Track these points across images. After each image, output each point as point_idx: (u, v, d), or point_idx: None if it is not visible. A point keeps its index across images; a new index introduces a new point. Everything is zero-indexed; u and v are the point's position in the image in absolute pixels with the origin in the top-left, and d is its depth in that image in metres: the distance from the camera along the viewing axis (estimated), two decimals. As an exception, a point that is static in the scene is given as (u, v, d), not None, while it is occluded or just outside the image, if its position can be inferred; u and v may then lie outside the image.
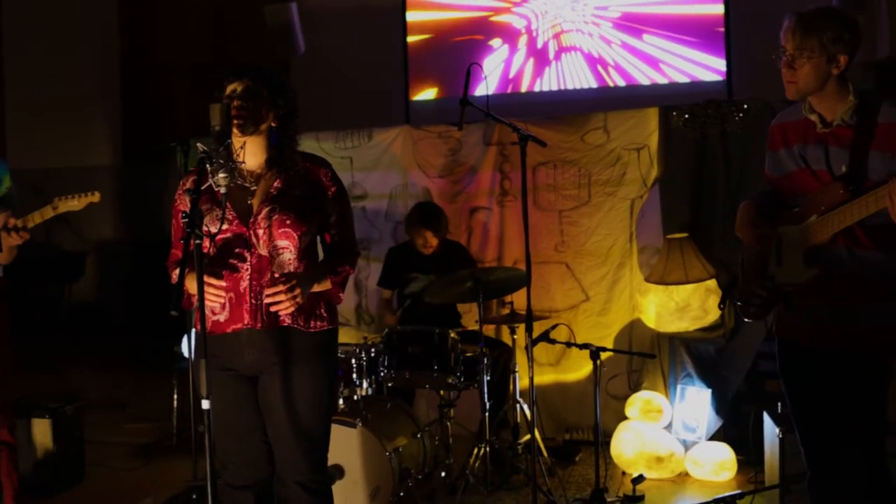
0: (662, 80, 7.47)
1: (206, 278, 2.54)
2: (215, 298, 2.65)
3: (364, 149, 5.46)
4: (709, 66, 7.39)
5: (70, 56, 10.16)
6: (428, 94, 8.08)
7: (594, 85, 7.62)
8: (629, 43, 7.60)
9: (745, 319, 2.77)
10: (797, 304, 2.62)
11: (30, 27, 10.26)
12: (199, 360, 2.40)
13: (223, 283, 2.65)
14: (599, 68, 7.69)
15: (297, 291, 2.63)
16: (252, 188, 2.75)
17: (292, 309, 2.66)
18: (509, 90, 7.83)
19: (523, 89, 7.82)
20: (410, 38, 8.14)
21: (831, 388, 2.58)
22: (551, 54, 7.80)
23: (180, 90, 9.86)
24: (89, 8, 10.20)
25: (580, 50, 7.71)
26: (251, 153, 2.74)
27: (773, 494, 3.90)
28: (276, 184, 2.75)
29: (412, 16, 8.12)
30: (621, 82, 7.58)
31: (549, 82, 7.81)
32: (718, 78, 7.35)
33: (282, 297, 2.62)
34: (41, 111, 9.83)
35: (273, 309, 2.66)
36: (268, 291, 2.64)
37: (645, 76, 7.54)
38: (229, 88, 2.71)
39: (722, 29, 7.36)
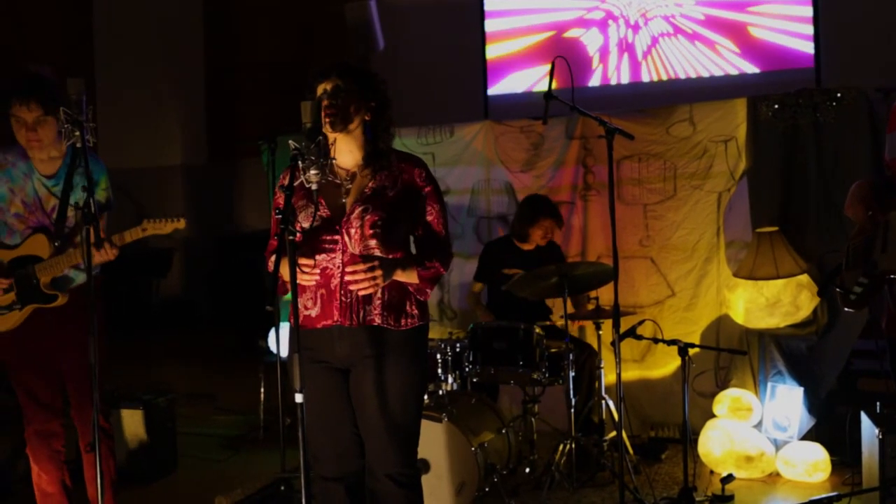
0: (750, 70, 7.31)
1: (297, 259, 2.57)
2: (309, 278, 2.67)
3: (446, 144, 5.47)
4: (796, 54, 7.19)
5: (154, 57, 10.44)
6: (507, 88, 8.07)
7: (679, 76, 7.51)
8: (712, 31, 7.46)
9: (845, 309, 2.63)
10: None
11: (117, 31, 10.60)
12: (293, 354, 2.44)
13: (311, 262, 2.66)
14: (682, 59, 7.57)
15: (378, 273, 2.63)
16: (347, 186, 2.78)
17: (371, 290, 2.67)
18: (590, 83, 7.76)
19: (604, 82, 7.75)
20: (489, 32, 8.14)
21: None
22: (637, 45, 7.71)
23: (262, 89, 10.05)
24: (174, 10, 10.47)
25: (666, 38, 7.60)
26: (346, 151, 2.78)
27: (871, 497, 3.76)
28: (371, 183, 2.77)
29: (490, 4, 8.13)
30: (704, 73, 7.45)
31: (629, 75, 7.71)
32: (806, 66, 7.14)
33: (360, 276, 2.63)
34: (127, 112, 10.14)
35: (352, 287, 2.66)
36: (348, 269, 2.66)
37: (731, 66, 7.38)
38: (320, 89, 2.74)
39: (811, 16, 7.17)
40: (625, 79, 7.73)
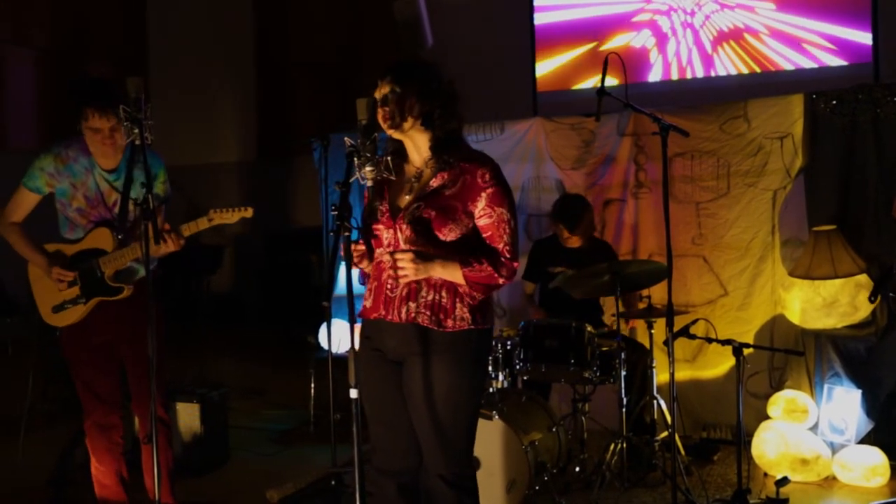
0: (804, 64, 7.17)
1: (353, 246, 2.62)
2: (357, 258, 2.71)
3: (496, 141, 5.44)
4: (852, 48, 7.03)
5: (207, 56, 10.60)
6: (557, 84, 8.02)
7: (732, 72, 7.40)
8: (768, 25, 7.33)
9: None
10: None
11: (171, 31, 10.77)
12: (351, 349, 2.45)
13: (362, 248, 2.69)
14: (736, 54, 7.45)
15: (416, 266, 2.61)
16: (413, 184, 2.78)
17: (404, 279, 2.65)
18: (642, 79, 7.67)
19: (655, 78, 7.66)
20: (538, 26, 8.11)
21: None
22: (687, 38, 7.61)
23: (313, 87, 10.13)
24: (226, 9, 10.62)
25: (718, 32, 7.50)
26: (412, 149, 2.79)
27: (933, 503, 3.68)
28: (433, 181, 2.75)
29: (540, 3, 8.12)
30: (759, 68, 7.33)
31: (677, 70, 7.62)
32: (864, 60, 6.99)
33: (389, 260, 2.65)
34: (180, 109, 10.30)
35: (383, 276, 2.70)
36: (377, 251, 2.72)
37: (786, 60, 7.26)
38: (377, 93, 2.73)
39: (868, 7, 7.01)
40: (676, 75, 7.64)
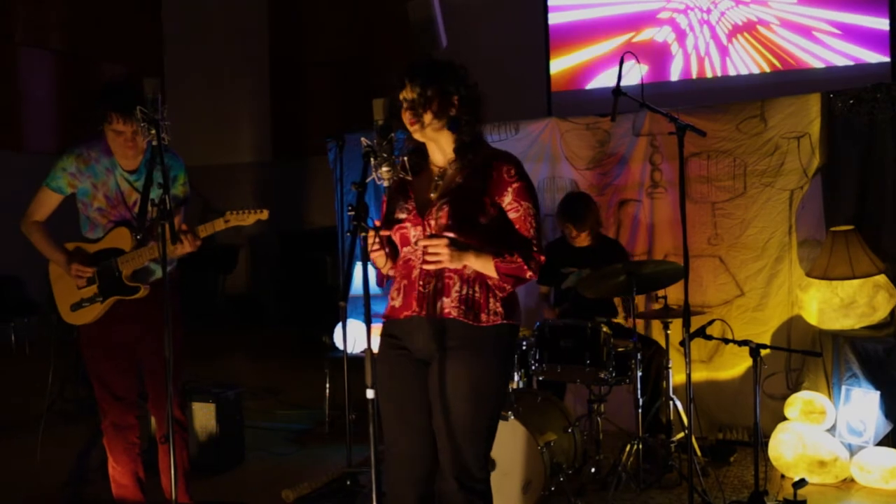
0: (818, 53, 7.14)
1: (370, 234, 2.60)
2: (376, 249, 2.70)
3: (511, 141, 5.44)
4: (870, 47, 6.98)
5: (222, 57, 10.63)
6: (571, 84, 8.01)
7: (748, 63, 7.38)
8: (786, 22, 7.31)
9: None
10: None
11: (186, 33, 10.82)
12: (368, 349, 2.46)
13: (375, 238, 2.68)
14: (751, 45, 7.43)
15: (451, 252, 2.60)
16: (437, 182, 2.79)
17: (438, 266, 2.64)
18: (663, 72, 7.65)
19: (676, 70, 7.64)
20: (552, 26, 8.10)
21: None
22: (704, 33, 7.60)
23: (328, 87, 10.15)
24: (240, 11, 10.65)
25: (733, 26, 7.48)
26: (436, 149, 2.80)
27: (952, 505, 3.64)
28: (457, 178, 2.76)
29: (554, 2, 8.11)
30: (774, 58, 7.32)
31: (696, 62, 7.60)
32: (882, 59, 6.95)
33: (423, 242, 2.62)
34: (196, 110, 10.35)
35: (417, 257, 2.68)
36: (420, 242, 2.68)
37: (800, 49, 7.23)
38: (405, 94, 2.74)
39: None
40: (695, 67, 7.62)
